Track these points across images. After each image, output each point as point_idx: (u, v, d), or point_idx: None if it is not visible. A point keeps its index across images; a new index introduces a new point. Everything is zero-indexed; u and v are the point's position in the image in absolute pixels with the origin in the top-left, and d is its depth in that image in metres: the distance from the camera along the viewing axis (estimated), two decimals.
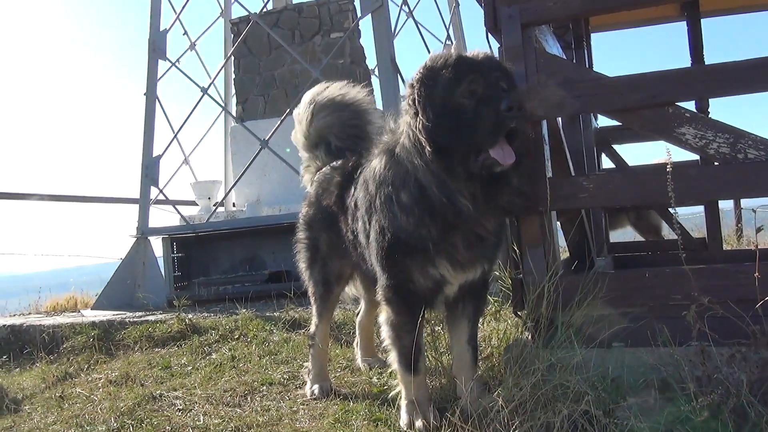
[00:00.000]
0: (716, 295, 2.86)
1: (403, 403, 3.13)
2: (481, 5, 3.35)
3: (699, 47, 5.85)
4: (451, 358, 3.44)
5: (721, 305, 2.81)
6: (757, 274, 2.77)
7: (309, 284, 3.97)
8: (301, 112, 4.11)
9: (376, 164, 3.06)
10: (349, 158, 3.65)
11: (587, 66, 6.21)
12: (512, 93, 2.77)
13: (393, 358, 3.19)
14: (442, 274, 2.97)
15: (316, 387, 3.80)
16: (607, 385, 2.88)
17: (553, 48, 4.03)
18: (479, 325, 3.45)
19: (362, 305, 4.33)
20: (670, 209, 6.92)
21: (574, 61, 5.93)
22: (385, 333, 3.18)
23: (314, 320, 3.98)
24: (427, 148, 2.73)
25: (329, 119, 4.03)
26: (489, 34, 3.39)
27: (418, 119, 2.78)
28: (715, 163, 3.06)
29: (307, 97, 4.13)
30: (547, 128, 3.38)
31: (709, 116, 5.75)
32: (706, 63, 5.77)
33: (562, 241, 4.36)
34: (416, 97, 2.79)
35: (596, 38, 6.79)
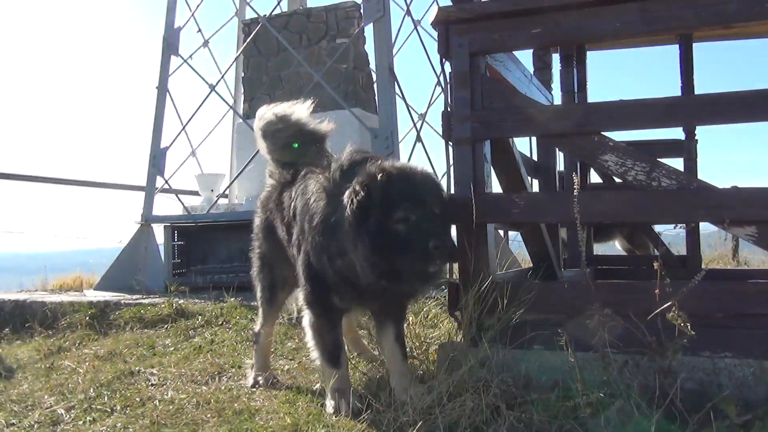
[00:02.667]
0: (623, 307, 3.17)
1: (329, 392, 3.42)
2: (436, 30, 3.68)
3: (690, 70, 6.08)
4: (382, 355, 3.80)
5: (624, 317, 3.14)
6: (657, 291, 3.08)
7: (257, 289, 4.26)
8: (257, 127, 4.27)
9: (318, 207, 3.31)
10: (291, 169, 3.92)
11: (577, 84, 6.49)
12: (442, 225, 3.14)
13: (317, 355, 3.54)
14: (361, 303, 3.44)
15: (260, 378, 4.06)
16: (519, 382, 3.22)
17: (515, 71, 4.35)
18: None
19: None
20: (653, 228, 7.25)
21: (556, 80, 6.25)
22: (308, 334, 3.55)
23: (260, 321, 4.26)
24: (365, 264, 3.05)
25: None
26: (443, 59, 3.73)
27: (357, 241, 3.05)
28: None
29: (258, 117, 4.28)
30: (491, 146, 3.70)
31: (696, 142, 6.09)
32: (695, 89, 6.05)
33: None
34: (351, 228, 3.07)
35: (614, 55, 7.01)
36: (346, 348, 3.61)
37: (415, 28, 9.79)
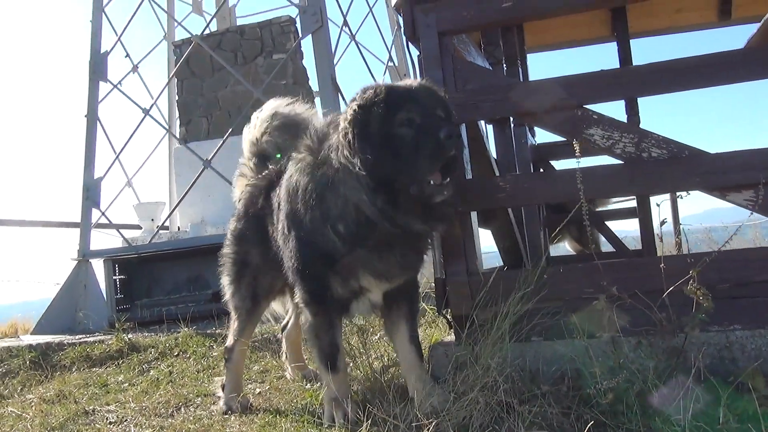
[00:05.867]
0: (626, 287, 2.98)
1: (326, 399, 3.21)
2: (400, 15, 3.47)
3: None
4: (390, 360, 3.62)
5: (631, 297, 2.94)
6: (662, 265, 2.90)
7: (233, 299, 3.86)
8: (260, 118, 4.04)
9: (300, 180, 3.01)
10: (275, 166, 3.71)
11: None
12: (449, 121, 2.83)
13: (314, 356, 3.30)
14: (362, 286, 3.05)
15: (233, 403, 3.71)
16: (525, 376, 2.98)
17: (477, 58, 4.18)
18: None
19: (289, 317, 4.32)
20: (604, 223, 7.21)
21: None
22: (306, 333, 3.32)
23: (234, 335, 3.88)
24: (370, 183, 2.72)
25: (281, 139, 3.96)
26: (409, 43, 3.51)
27: (356, 158, 2.73)
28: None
29: (269, 108, 4.06)
30: (465, 133, 3.50)
31: (639, 118, 6.06)
32: None
33: None
34: (351, 138, 2.75)
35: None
36: (344, 350, 3.31)
37: (353, 40, 9.61)
